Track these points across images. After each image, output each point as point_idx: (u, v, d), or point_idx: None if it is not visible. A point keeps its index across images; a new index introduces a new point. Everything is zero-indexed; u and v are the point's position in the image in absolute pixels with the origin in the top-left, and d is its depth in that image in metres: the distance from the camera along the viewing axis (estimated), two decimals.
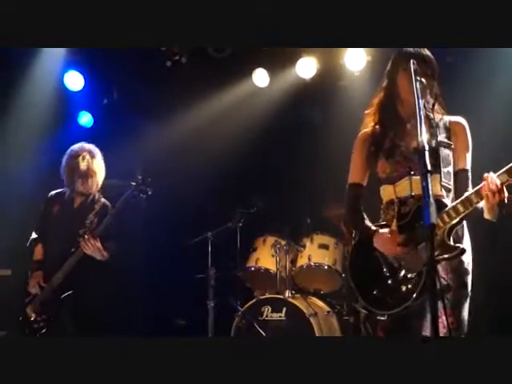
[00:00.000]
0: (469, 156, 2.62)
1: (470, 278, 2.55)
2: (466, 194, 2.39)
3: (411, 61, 2.40)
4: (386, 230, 2.57)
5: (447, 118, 2.68)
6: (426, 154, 2.06)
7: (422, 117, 2.18)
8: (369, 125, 2.77)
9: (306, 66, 5.08)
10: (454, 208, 2.40)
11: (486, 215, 2.39)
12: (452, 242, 2.42)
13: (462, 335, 2.48)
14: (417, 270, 2.44)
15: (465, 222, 2.59)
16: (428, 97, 2.63)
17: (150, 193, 3.79)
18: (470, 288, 2.54)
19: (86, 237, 3.63)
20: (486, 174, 2.34)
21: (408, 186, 2.55)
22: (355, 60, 4.89)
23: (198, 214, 5.50)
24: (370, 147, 2.70)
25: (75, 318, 3.62)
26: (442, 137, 2.60)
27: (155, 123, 5.53)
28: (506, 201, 2.32)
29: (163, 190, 4.14)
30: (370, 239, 2.59)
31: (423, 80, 2.40)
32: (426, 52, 2.61)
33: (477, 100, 4.19)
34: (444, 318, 2.34)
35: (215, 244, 4.91)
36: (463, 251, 2.42)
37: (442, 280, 2.45)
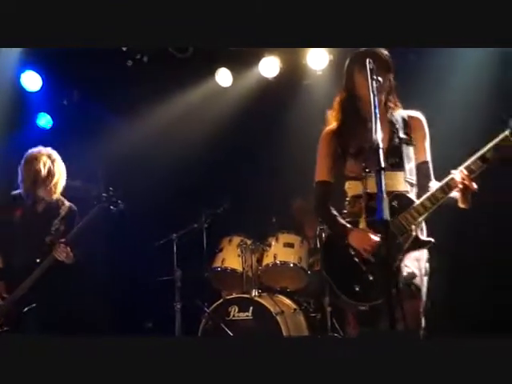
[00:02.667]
0: (428, 148, 2.73)
1: (428, 265, 2.69)
2: (432, 191, 2.53)
3: (367, 60, 2.44)
4: (360, 228, 2.63)
5: (405, 113, 2.77)
6: (380, 152, 2.14)
7: (378, 115, 2.24)
8: (332, 122, 2.83)
9: (269, 66, 5.09)
10: (422, 204, 2.55)
11: (461, 205, 2.54)
12: (424, 236, 2.60)
13: (422, 322, 2.59)
14: (394, 264, 2.51)
15: None
16: (386, 93, 2.72)
17: (121, 206, 3.75)
18: (428, 273, 2.68)
19: (61, 245, 3.54)
20: (454, 171, 2.48)
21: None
22: (317, 59, 4.94)
23: (162, 215, 5.44)
24: (337, 148, 2.75)
25: (39, 329, 3.53)
26: (402, 133, 2.70)
27: (117, 124, 5.45)
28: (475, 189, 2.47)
29: (127, 191, 4.05)
30: (345, 237, 2.63)
31: (379, 79, 2.45)
32: (379, 51, 2.67)
33: (435, 97, 4.29)
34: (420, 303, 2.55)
35: (181, 245, 4.87)
36: (433, 244, 2.59)
37: (407, 268, 2.57)
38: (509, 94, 4.19)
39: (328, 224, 2.82)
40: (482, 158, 2.44)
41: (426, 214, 2.54)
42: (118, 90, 5.30)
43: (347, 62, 2.75)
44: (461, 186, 2.46)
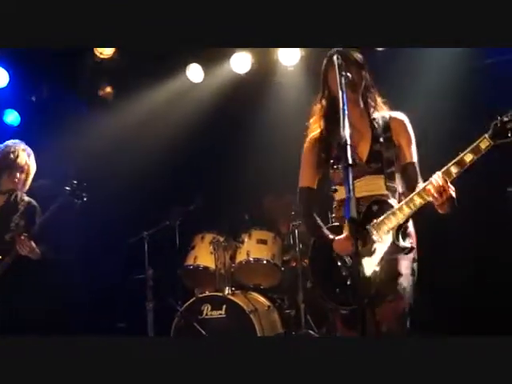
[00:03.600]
0: (414, 149, 2.69)
1: (416, 265, 2.67)
2: (410, 196, 2.49)
3: (335, 56, 2.44)
4: (342, 236, 2.62)
5: (387, 114, 2.75)
6: (348, 148, 2.11)
7: (346, 111, 2.23)
8: (315, 130, 2.83)
9: (241, 61, 5.04)
10: (400, 209, 2.51)
11: (439, 210, 2.45)
12: (401, 242, 2.54)
13: (407, 322, 2.58)
14: (372, 268, 2.53)
15: None
16: (364, 91, 2.72)
17: (85, 199, 3.71)
18: (416, 274, 2.65)
19: (23, 238, 3.49)
20: (432, 177, 2.41)
21: (359, 188, 2.55)
22: (289, 55, 4.89)
23: (134, 213, 5.35)
24: (320, 154, 2.76)
25: (4, 328, 3.45)
26: (383, 137, 2.68)
27: (87, 121, 5.34)
28: (453, 195, 2.39)
29: (98, 189, 4.03)
30: (330, 246, 2.66)
31: (349, 74, 2.44)
32: (350, 49, 2.68)
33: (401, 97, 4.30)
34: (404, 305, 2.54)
35: (153, 243, 4.80)
36: (412, 250, 2.58)
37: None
38: (477, 95, 4.27)
39: (313, 234, 2.83)
40: (460, 162, 2.35)
41: (404, 219, 2.51)
42: (87, 85, 5.21)
43: (323, 65, 2.75)
44: (436, 191, 2.36)
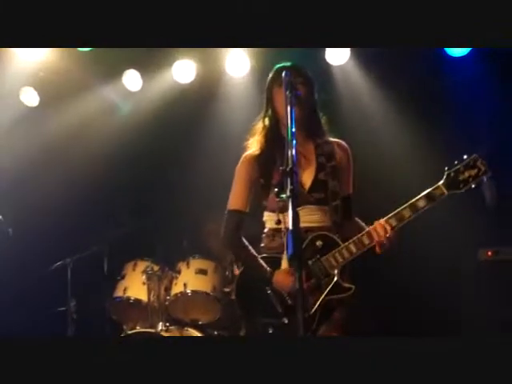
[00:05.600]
0: (351, 180, 2.70)
1: None
2: (358, 236, 2.47)
3: (283, 72, 2.35)
4: (282, 270, 2.52)
5: (331, 141, 2.69)
6: (295, 177, 1.95)
7: (294, 129, 2.06)
8: (253, 148, 2.70)
9: (184, 70, 4.71)
10: (347, 248, 2.48)
11: (377, 251, 2.48)
12: (344, 283, 2.48)
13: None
14: (312, 307, 2.47)
15: None
16: (310, 113, 2.59)
17: (11, 234, 3.60)
18: None
19: None
20: (375, 222, 2.44)
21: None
22: (237, 65, 4.59)
23: (58, 235, 4.85)
24: (256, 175, 2.64)
25: None
26: (329, 166, 2.61)
27: (7, 130, 4.81)
28: (392, 241, 2.43)
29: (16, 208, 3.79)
30: (264, 279, 2.56)
31: (299, 92, 2.37)
32: (299, 66, 2.61)
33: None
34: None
35: (77, 271, 4.39)
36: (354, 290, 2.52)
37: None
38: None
39: (243, 261, 2.72)
40: (413, 207, 2.40)
41: (350, 259, 2.48)
42: (9, 89, 4.69)
43: (268, 80, 2.66)
44: (379, 240, 2.42)
